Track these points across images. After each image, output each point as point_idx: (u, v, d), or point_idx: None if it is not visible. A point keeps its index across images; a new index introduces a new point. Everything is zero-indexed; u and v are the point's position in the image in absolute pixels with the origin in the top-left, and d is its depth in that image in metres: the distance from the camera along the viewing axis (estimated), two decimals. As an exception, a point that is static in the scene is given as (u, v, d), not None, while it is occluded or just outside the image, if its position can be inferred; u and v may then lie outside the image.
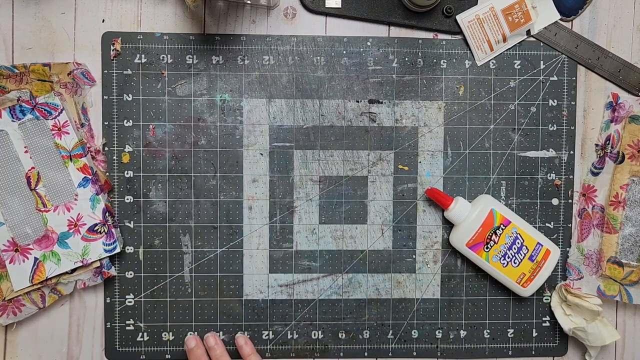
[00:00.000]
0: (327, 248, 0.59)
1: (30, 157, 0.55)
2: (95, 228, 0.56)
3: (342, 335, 0.60)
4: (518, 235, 0.57)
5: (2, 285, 0.55)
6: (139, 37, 0.57)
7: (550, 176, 0.60)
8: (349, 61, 0.59)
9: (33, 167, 0.55)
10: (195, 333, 0.59)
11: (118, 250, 0.56)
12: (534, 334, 0.61)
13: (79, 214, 0.56)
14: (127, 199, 0.58)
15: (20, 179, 0.55)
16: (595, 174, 0.60)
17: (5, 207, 0.55)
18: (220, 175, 0.59)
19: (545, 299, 0.61)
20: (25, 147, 0.55)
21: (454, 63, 0.60)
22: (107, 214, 0.56)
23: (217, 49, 0.58)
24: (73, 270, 0.56)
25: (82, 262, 0.55)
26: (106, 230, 0.56)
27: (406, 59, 0.59)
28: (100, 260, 0.56)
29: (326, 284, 0.59)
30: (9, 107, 0.55)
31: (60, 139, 0.55)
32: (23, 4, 0.57)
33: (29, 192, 0.55)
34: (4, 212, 0.55)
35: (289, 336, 0.59)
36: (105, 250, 0.56)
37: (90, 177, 0.56)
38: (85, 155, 0.56)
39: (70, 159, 0.56)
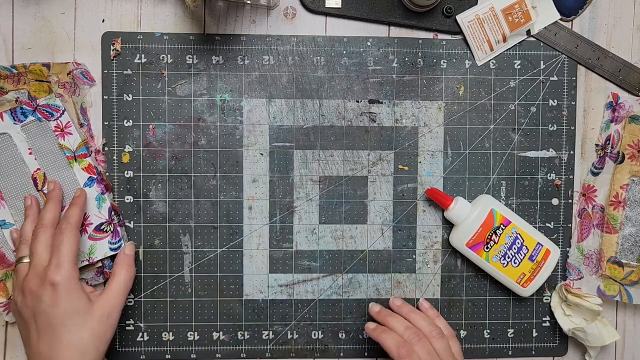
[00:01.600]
0: (327, 248, 0.59)
1: (35, 159, 0.55)
2: (102, 227, 0.56)
3: (342, 335, 0.60)
4: (518, 235, 0.57)
5: (7, 284, 0.55)
6: (139, 37, 0.57)
7: (550, 176, 0.60)
8: (349, 61, 0.59)
9: (38, 169, 0.55)
10: (196, 333, 0.59)
11: (121, 249, 0.56)
12: (534, 334, 0.61)
13: (85, 213, 0.56)
14: (127, 199, 0.58)
15: (27, 181, 0.55)
16: (595, 174, 0.60)
17: (14, 208, 0.55)
18: (220, 175, 0.59)
19: (545, 299, 0.61)
20: (29, 149, 0.55)
21: (454, 63, 0.60)
22: (112, 213, 0.56)
23: (217, 49, 0.58)
24: (76, 270, 0.56)
25: (89, 260, 0.55)
26: (112, 229, 0.56)
27: (406, 59, 0.59)
28: (102, 260, 0.56)
29: (326, 284, 0.59)
30: (10, 109, 0.55)
31: (64, 139, 0.55)
32: (23, 4, 0.57)
33: (36, 193, 0.55)
34: (13, 214, 0.55)
35: (289, 336, 0.59)
36: (111, 249, 0.56)
37: (95, 176, 0.56)
38: (90, 155, 0.56)
39: (75, 159, 0.56)
